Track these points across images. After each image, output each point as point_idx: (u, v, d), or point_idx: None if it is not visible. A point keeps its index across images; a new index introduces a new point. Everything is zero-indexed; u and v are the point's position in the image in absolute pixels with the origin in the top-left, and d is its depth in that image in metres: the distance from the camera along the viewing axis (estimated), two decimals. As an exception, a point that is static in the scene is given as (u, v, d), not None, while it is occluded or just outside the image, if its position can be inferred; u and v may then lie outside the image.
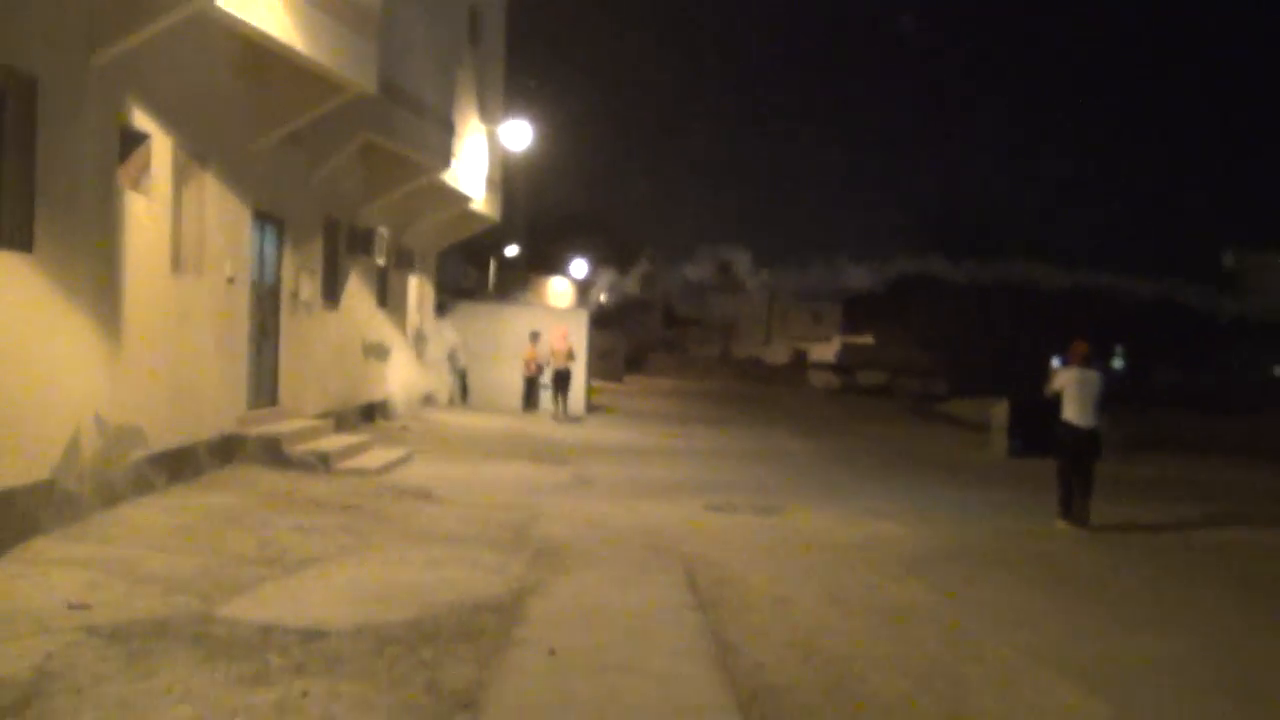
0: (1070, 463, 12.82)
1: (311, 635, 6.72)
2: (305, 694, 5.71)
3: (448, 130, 17.71)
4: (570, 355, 24.90)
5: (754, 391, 46.03)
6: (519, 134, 23.01)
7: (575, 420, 24.44)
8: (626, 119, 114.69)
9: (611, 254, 46.99)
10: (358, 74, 12.32)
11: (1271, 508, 15.64)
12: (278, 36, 10.55)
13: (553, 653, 6.71)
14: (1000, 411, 21.74)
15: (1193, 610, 9.15)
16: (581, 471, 15.76)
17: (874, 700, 6.17)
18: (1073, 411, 12.76)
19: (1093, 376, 12.77)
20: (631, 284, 44.69)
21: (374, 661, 6.34)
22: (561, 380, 24.83)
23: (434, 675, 6.16)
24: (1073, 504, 12.71)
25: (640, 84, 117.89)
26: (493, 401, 25.47)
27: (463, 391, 25.59)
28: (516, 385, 25.63)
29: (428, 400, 23.32)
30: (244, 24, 10.10)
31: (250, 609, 7.23)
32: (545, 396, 25.45)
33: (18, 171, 8.02)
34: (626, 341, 46.88)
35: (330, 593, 7.82)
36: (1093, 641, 7.88)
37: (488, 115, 22.36)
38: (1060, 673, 6.88)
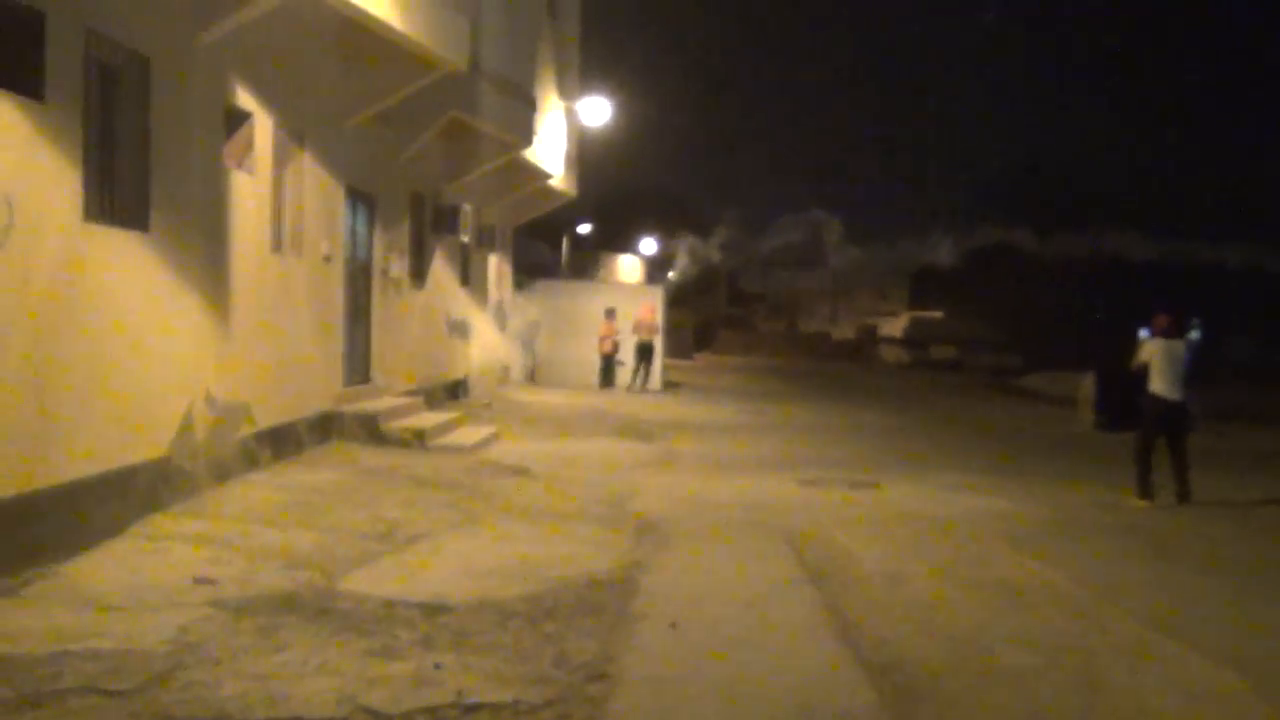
0: (1155, 437, 12.49)
1: (434, 610, 6.78)
2: (438, 666, 5.75)
3: (530, 106, 17.72)
4: (655, 329, 25.34)
5: (823, 367, 45.80)
6: (597, 110, 22.98)
7: (653, 395, 24.49)
8: (703, 91, 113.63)
9: (686, 226, 46.61)
10: (451, 51, 12.34)
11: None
12: (377, 14, 10.57)
13: (674, 626, 6.71)
14: (1087, 384, 21.41)
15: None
16: (668, 447, 15.76)
17: (1007, 674, 6.10)
18: (1159, 384, 12.37)
19: (1178, 347, 12.41)
20: (710, 250, 44.16)
21: (499, 636, 6.37)
22: (645, 352, 25.22)
23: (560, 649, 6.18)
24: (1151, 482, 12.31)
25: (719, 56, 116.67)
26: (566, 378, 25.54)
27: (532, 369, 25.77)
28: (591, 362, 25.62)
29: (504, 378, 23.45)
30: (346, 2, 10.15)
31: (371, 583, 7.30)
32: (621, 373, 25.50)
33: (134, 151, 8.13)
34: (694, 318, 46.78)
35: (445, 568, 7.88)
36: (1215, 613, 7.75)
37: (565, 91, 22.36)
38: (1189, 645, 6.77)
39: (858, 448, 16.93)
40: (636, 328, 25.37)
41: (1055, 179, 58.77)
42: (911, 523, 10.63)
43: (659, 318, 25.76)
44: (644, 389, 24.85)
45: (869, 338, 62.23)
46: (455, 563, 8.03)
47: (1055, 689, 5.87)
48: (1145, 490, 12.32)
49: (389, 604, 6.82)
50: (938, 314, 63.05)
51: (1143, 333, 12.93)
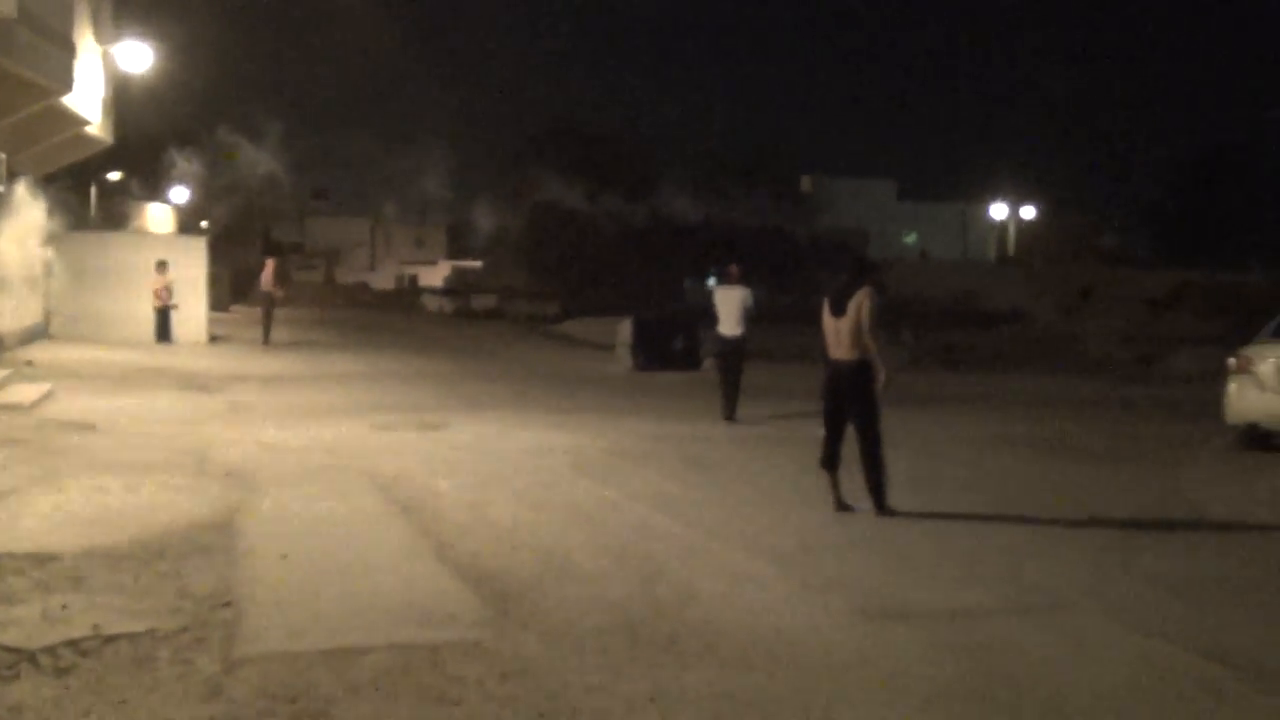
0: (723, 369, 14.84)
1: (43, 559, 6.94)
2: (65, 607, 6.01)
3: (69, 51, 16.94)
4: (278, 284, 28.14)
5: (368, 318, 46.01)
6: (137, 55, 22.05)
7: (205, 348, 24.32)
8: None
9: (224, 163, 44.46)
10: (-5, -6, 11.81)
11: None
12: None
13: (285, 558, 7.24)
14: (625, 329, 23.25)
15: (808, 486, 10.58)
16: (235, 399, 15.84)
17: (584, 576, 7.11)
18: (720, 324, 14.80)
19: (734, 294, 14.71)
20: (267, 163, 42.43)
21: (116, 577, 6.66)
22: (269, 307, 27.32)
23: (181, 584, 6.58)
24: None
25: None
26: (110, 334, 24.52)
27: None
28: (137, 315, 24.75)
29: (42, 335, 22.27)
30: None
31: (-35, 540, 7.29)
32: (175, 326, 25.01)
33: None
34: (229, 270, 45.37)
35: (42, 521, 7.94)
36: (750, 516, 9.09)
37: (101, 34, 21.34)
38: (728, 543, 8.09)
39: (419, 393, 17.67)
40: (264, 284, 27.92)
41: (602, 140, 61.33)
42: (483, 457, 11.53)
43: (197, 270, 26.67)
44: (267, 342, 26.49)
45: (410, 287, 62.90)
46: (51, 516, 8.08)
47: (624, 583, 6.95)
48: (730, 413, 14.71)
49: (-7, 557, 6.90)
50: (476, 263, 64.62)
51: (710, 281, 15.27)
